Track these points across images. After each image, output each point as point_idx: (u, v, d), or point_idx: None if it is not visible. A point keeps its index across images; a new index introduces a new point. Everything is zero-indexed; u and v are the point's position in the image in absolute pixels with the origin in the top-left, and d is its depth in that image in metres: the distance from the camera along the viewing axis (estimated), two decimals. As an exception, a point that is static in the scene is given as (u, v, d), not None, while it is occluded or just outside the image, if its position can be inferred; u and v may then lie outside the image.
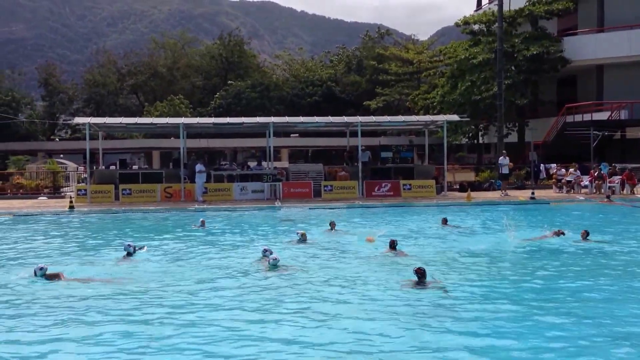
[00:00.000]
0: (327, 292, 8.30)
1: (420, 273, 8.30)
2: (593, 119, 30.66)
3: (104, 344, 6.26)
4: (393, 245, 11.23)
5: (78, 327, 6.82)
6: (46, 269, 9.05)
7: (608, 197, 21.51)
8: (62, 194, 27.01)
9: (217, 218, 17.75)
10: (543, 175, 29.01)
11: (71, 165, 35.84)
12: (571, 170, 25.62)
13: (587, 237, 12.22)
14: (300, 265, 10.14)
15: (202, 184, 22.77)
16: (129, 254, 10.78)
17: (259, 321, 6.96)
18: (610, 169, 25.28)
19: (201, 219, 15.48)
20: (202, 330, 6.65)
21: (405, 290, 8.22)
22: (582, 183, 24.97)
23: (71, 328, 6.81)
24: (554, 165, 28.36)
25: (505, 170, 24.60)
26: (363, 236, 12.87)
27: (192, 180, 23.21)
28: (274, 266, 9.58)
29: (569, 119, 32.48)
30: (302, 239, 12.30)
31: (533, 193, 22.58)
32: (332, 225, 13.96)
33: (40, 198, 25.36)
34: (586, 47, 33.39)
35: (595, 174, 24.38)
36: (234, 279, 9.33)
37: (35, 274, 8.98)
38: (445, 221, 15.02)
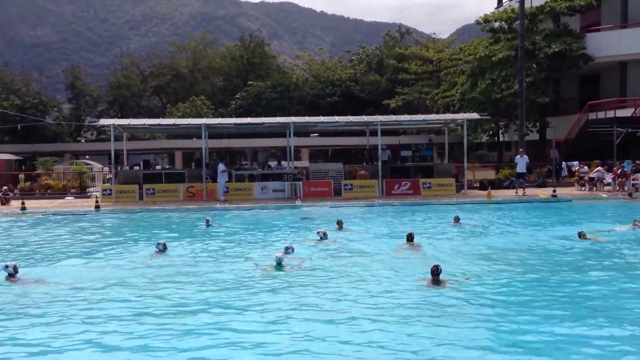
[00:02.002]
0: (339, 290, 8.31)
1: (436, 271, 8.31)
2: (616, 115, 30.26)
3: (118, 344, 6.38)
4: (410, 238, 11.37)
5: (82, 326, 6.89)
6: (13, 267, 9.09)
7: (630, 194, 21.29)
8: (88, 194, 27.64)
9: (241, 216, 18.07)
10: (565, 173, 28.75)
11: (97, 166, 36.56)
12: (599, 168, 25.33)
13: (585, 237, 11.96)
14: (313, 263, 10.16)
15: (224, 184, 23.14)
16: (160, 251, 11.21)
17: (264, 321, 6.92)
18: (633, 166, 24.99)
19: (206, 218, 15.59)
20: (204, 330, 6.62)
21: (422, 288, 8.24)
22: (604, 180, 24.73)
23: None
24: (575, 162, 28.10)
25: (521, 169, 24.33)
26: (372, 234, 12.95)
27: (214, 180, 23.60)
28: (279, 265, 9.60)
29: (592, 116, 32.10)
30: (324, 237, 12.33)
31: (555, 191, 22.43)
32: (340, 224, 14.07)
33: (67, 198, 26.02)
34: (609, 44, 32.94)
35: (619, 172, 24.12)
36: (242, 277, 9.33)
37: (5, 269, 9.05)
38: (457, 219, 15.04)
